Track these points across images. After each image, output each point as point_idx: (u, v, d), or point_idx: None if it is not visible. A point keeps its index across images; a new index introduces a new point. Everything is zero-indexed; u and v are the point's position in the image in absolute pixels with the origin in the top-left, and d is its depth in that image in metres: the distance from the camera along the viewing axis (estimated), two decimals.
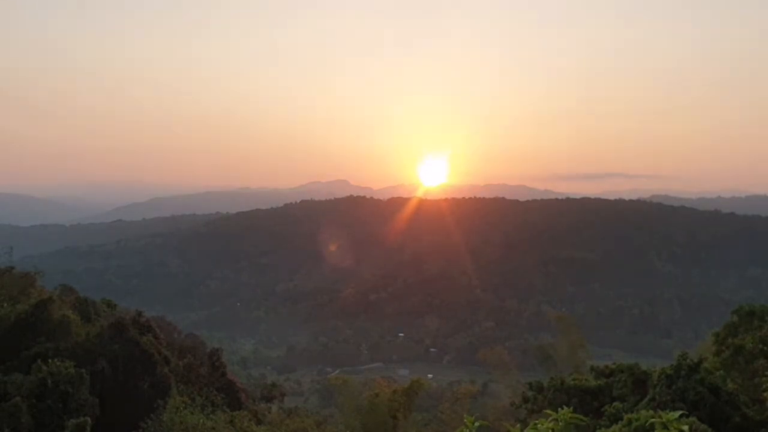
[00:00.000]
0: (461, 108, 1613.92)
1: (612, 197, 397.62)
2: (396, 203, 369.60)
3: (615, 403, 22.40)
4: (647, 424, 6.14)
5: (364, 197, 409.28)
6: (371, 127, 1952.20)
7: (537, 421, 5.79)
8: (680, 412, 5.90)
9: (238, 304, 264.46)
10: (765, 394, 18.58)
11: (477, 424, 5.72)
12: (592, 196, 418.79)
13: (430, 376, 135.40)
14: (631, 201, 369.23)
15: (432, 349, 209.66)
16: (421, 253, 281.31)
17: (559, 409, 5.94)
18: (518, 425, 6.23)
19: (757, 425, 19.72)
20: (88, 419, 27.03)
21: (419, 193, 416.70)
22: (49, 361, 30.03)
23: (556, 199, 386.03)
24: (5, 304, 37.05)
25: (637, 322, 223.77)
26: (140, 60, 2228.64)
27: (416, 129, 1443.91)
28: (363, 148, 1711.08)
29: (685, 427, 5.68)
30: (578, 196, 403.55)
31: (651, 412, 12.13)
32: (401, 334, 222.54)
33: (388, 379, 57.61)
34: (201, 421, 29.52)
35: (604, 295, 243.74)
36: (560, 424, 5.71)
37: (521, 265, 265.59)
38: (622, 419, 16.29)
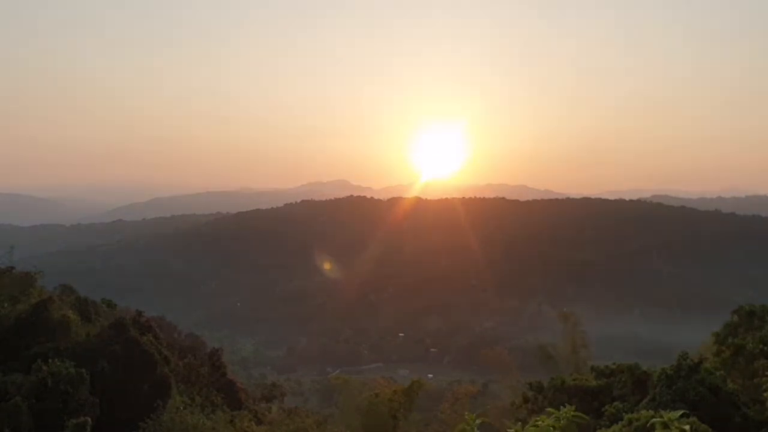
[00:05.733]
0: (461, 108, 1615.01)
1: (612, 197, 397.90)
2: (396, 203, 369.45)
3: (615, 403, 22.42)
4: (648, 424, 6.13)
5: (364, 197, 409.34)
6: (371, 127, 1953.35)
7: (538, 418, 5.79)
8: (681, 412, 5.90)
9: (238, 304, 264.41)
10: (765, 395, 18.57)
11: (478, 421, 5.73)
12: (592, 196, 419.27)
13: (430, 376, 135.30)
14: (631, 201, 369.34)
15: (432, 349, 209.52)
16: (421, 253, 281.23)
17: (561, 407, 5.95)
18: (519, 425, 6.23)
19: (758, 425, 19.71)
20: (88, 419, 27.01)
21: (419, 194, 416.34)
22: (49, 361, 30.01)
23: (556, 199, 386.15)
24: (5, 304, 37.04)
25: (637, 322, 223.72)
26: (141, 60, 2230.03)
27: (416, 129, 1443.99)
28: (363, 148, 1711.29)
29: (686, 427, 5.68)
30: (578, 196, 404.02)
31: (651, 412, 12.14)
32: (401, 334, 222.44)
33: (388, 379, 57.50)
34: (201, 421, 29.53)
35: (604, 295, 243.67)
36: (562, 421, 5.72)
37: (521, 265, 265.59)
38: (622, 419, 16.31)
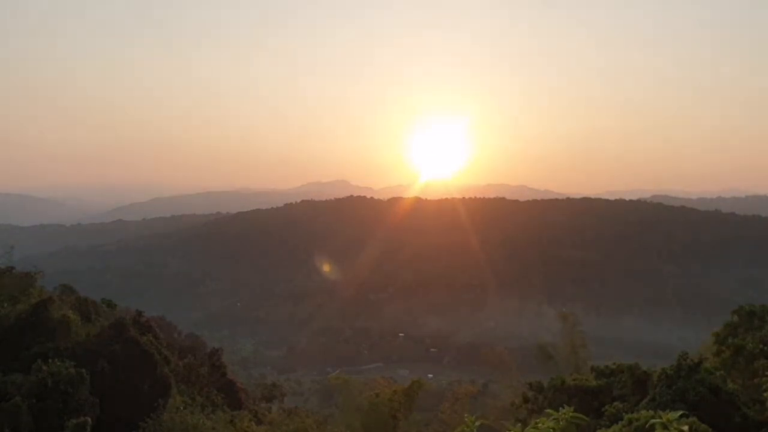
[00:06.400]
0: (462, 109, 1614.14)
1: (612, 197, 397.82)
2: (396, 203, 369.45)
3: (615, 403, 22.40)
4: (648, 424, 6.14)
5: (364, 197, 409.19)
6: (371, 126, 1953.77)
7: (538, 420, 5.80)
8: (680, 413, 5.90)
9: (238, 304, 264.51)
10: (765, 395, 18.58)
11: (478, 423, 5.73)
12: (592, 196, 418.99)
13: (430, 376, 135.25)
14: (631, 201, 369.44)
15: (432, 349, 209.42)
16: (421, 253, 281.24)
17: (560, 408, 5.95)
18: (519, 425, 6.24)
19: (758, 425, 19.70)
20: (88, 419, 27.01)
21: (419, 194, 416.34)
22: (49, 361, 30.00)
23: (556, 199, 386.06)
24: (5, 304, 37.02)
25: (637, 322, 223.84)
26: (140, 60, 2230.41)
27: (416, 129, 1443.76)
28: (363, 148, 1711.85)
29: (686, 428, 5.69)
30: (578, 196, 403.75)
31: (651, 412, 12.13)
32: (401, 334, 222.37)
33: (388, 379, 57.48)
34: (201, 421, 29.53)
35: (604, 295, 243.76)
36: (561, 423, 5.73)
37: (521, 265, 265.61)
38: (622, 419, 16.27)
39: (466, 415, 6.03)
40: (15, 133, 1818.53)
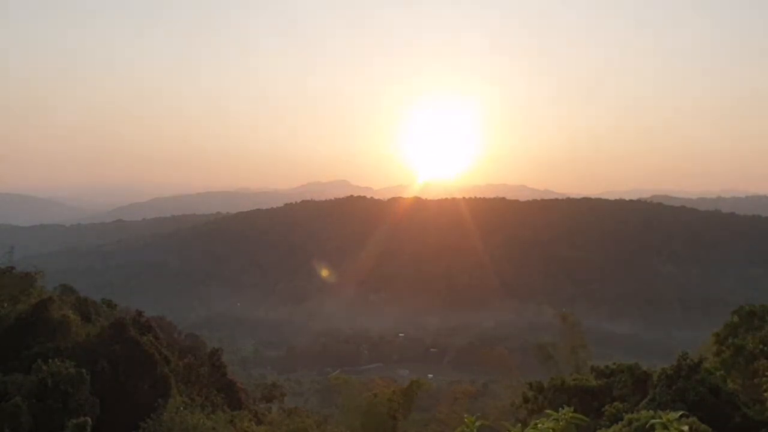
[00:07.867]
0: (461, 108, 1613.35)
1: (612, 197, 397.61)
2: (396, 203, 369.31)
3: (615, 403, 22.38)
4: (648, 424, 6.14)
5: (364, 197, 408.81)
6: (371, 127, 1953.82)
7: (538, 421, 5.79)
8: (681, 413, 5.90)
9: (238, 304, 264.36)
10: (765, 395, 18.58)
11: (478, 423, 5.73)
12: (592, 196, 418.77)
13: (430, 376, 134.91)
14: (631, 201, 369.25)
15: (432, 349, 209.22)
16: (421, 253, 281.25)
17: (560, 408, 5.95)
18: (519, 425, 6.23)
19: (758, 425, 19.69)
20: (88, 419, 26.98)
21: (419, 194, 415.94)
22: (50, 361, 29.96)
23: (556, 199, 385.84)
24: (5, 304, 36.98)
25: (637, 322, 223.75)
26: (141, 59, 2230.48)
27: (416, 129, 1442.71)
28: (363, 148, 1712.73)
29: (686, 428, 5.68)
30: (578, 196, 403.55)
31: (651, 412, 12.13)
32: (401, 334, 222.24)
33: (388, 379, 57.44)
34: (201, 421, 29.50)
35: (604, 294, 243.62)
36: (561, 423, 5.72)
37: (521, 265, 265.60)
38: (622, 419, 16.28)
39: (466, 415, 6.02)
40: (15, 133, 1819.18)
